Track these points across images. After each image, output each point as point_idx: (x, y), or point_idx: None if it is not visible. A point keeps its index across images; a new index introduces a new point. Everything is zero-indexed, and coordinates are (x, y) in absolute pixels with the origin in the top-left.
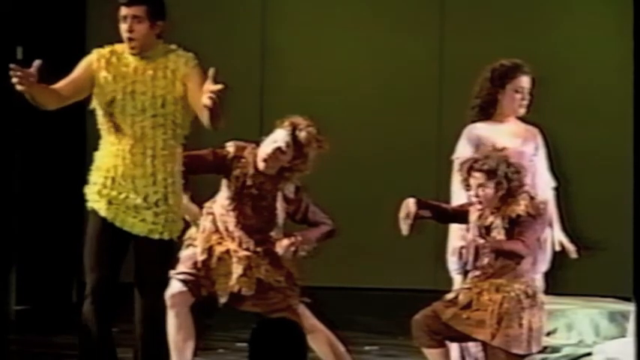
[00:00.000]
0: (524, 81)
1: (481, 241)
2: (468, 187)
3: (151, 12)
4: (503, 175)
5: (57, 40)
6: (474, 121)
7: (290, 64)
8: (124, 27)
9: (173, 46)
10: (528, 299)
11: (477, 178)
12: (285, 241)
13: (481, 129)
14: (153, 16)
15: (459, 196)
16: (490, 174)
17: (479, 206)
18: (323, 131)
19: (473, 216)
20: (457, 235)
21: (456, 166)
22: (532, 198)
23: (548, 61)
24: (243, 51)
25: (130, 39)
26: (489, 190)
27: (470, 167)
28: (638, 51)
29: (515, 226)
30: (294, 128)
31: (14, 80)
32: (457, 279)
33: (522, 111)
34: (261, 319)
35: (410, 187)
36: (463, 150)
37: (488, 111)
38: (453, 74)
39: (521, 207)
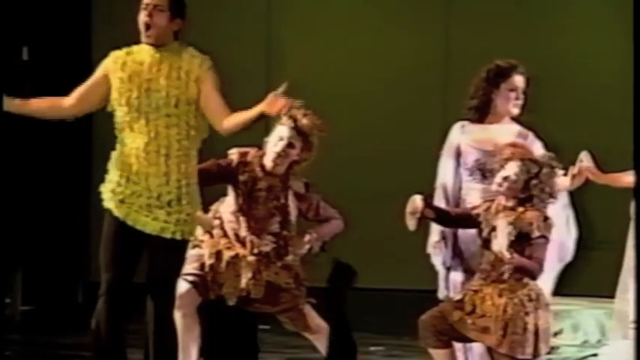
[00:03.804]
0: (519, 80)
1: (507, 255)
2: (500, 167)
3: (173, 5)
4: (536, 185)
5: (62, 40)
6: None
7: (295, 61)
8: (143, 14)
9: (190, 48)
10: (532, 302)
11: (516, 167)
12: (304, 239)
13: (472, 127)
14: (173, 10)
15: (440, 194)
16: (529, 174)
17: (496, 187)
18: (327, 128)
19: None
20: (435, 230)
21: (444, 152)
22: (546, 219)
23: (555, 59)
24: (248, 48)
25: (148, 26)
26: (514, 186)
27: (515, 153)
28: (638, 50)
29: (526, 245)
30: (294, 120)
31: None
32: (441, 273)
33: (516, 111)
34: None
35: (414, 186)
36: (455, 140)
37: (483, 111)
38: (458, 70)
39: (533, 225)
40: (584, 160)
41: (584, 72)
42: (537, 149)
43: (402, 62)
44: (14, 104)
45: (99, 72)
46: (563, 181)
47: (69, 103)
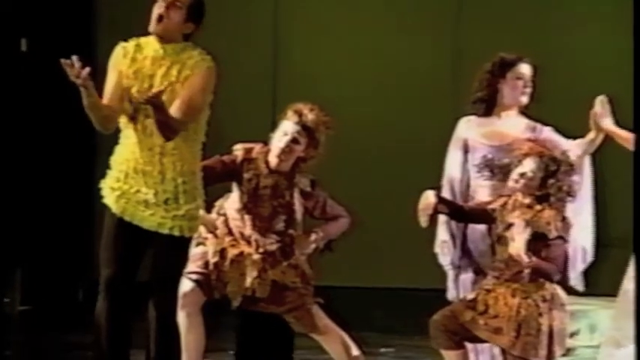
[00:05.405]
0: (525, 68)
1: (526, 259)
2: (517, 163)
3: (190, 7)
4: (553, 184)
5: (62, 32)
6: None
7: (303, 62)
8: (160, 5)
9: (194, 49)
10: (546, 303)
11: (534, 164)
12: (309, 238)
13: (478, 121)
14: (190, 12)
15: (447, 190)
16: (547, 171)
17: (512, 183)
18: (334, 125)
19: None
20: (443, 229)
21: (451, 147)
22: (564, 218)
23: (565, 59)
24: (255, 49)
25: (161, 17)
26: (530, 183)
27: (533, 149)
28: (638, 50)
29: (543, 246)
30: (299, 115)
31: (71, 73)
32: (450, 274)
33: (525, 99)
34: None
35: (425, 184)
36: (462, 135)
37: (489, 103)
38: (468, 70)
39: (550, 225)
40: (602, 105)
41: (592, 72)
42: (551, 135)
43: (411, 63)
44: (89, 84)
45: (113, 69)
46: (578, 145)
47: (112, 115)
